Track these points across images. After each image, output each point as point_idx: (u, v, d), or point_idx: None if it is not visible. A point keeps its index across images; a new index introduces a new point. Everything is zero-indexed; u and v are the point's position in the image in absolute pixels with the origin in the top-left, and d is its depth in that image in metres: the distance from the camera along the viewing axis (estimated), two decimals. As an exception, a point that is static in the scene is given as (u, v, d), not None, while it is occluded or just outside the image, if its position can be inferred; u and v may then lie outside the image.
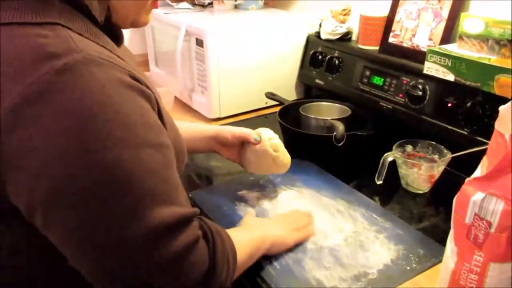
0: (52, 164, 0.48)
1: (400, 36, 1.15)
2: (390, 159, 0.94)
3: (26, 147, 0.48)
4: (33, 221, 0.52)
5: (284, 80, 1.44)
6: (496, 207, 0.52)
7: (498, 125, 0.54)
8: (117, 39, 0.63)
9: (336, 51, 1.30)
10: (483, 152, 0.57)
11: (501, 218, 0.52)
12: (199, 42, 1.27)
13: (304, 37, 1.41)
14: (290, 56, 1.42)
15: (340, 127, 1.01)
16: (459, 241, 0.58)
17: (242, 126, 0.93)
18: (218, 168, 1.07)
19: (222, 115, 1.34)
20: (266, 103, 1.38)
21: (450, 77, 0.94)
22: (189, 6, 1.56)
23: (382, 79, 1.16)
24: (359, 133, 1.06)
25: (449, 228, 0.60)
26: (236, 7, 1.57)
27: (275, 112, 1.20)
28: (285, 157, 0.90)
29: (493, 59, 0.90)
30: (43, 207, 0.50)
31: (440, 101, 1.01)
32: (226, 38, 1.27)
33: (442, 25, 1.06)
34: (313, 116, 1.13)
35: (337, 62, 1.29)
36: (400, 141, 0.98)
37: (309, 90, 1.50)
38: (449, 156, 0.92)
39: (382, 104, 1.14)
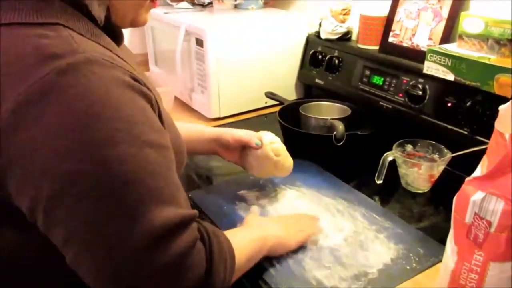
0: (54, 164, 0.48)
1: (400, 36, 1.15)
2: (390, 158, 0.94)
3: (28, 148, 0.48)
4: (35, 221, 0.52)
5: (284, 79, 1.43)
6: (496, 207, 0.52)
7: (498, 124, 0.54)
8: (117, 39, 0.63)
9: (336, 51, 1.30)
10: (483, 151, 0.57)
11: (501, 218, 0.52)
12: (199, 42, 1.27)
13: (304, 36, 1.41)
14: (290, 55, 1.42)
15: (340, 126, 1.01)
16: (459, 241, 0.58)
17: (242, 125, 0.93)
18: (218, 168, 1.06)
19: (222, 115, 1.34)
20: (266, 102, 1.38)
21: (450, 76, 0.95)
22: (189, 5, 1.56)
23: (382, 79, 1.16)
24: (359, 132, 1.06)
25: (449, 227, 0.60)
26: (236, 6, 1.57)
27: (275, 112, 1.20)
28: (287, 160, 0.90)
29: (493, 59, 0.90)
30: (45, 207, 0.50)
31: (440, 101, 1.01)
32: (226, 38, 1.27)
33: (442, 24, 1.06)
34: (313, 116, 1.14)
35: (337, 61, 1.29)
36: (400, 141, 0.98)
37: (309, 90, 1.49)
38: (449, 155, 0.92)
39: (382, 103, 1.14)
